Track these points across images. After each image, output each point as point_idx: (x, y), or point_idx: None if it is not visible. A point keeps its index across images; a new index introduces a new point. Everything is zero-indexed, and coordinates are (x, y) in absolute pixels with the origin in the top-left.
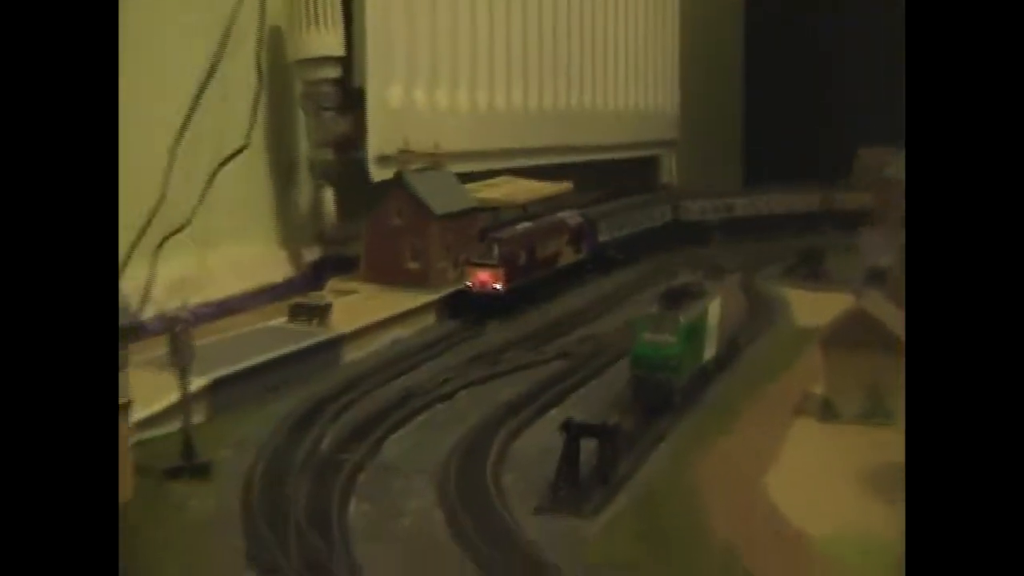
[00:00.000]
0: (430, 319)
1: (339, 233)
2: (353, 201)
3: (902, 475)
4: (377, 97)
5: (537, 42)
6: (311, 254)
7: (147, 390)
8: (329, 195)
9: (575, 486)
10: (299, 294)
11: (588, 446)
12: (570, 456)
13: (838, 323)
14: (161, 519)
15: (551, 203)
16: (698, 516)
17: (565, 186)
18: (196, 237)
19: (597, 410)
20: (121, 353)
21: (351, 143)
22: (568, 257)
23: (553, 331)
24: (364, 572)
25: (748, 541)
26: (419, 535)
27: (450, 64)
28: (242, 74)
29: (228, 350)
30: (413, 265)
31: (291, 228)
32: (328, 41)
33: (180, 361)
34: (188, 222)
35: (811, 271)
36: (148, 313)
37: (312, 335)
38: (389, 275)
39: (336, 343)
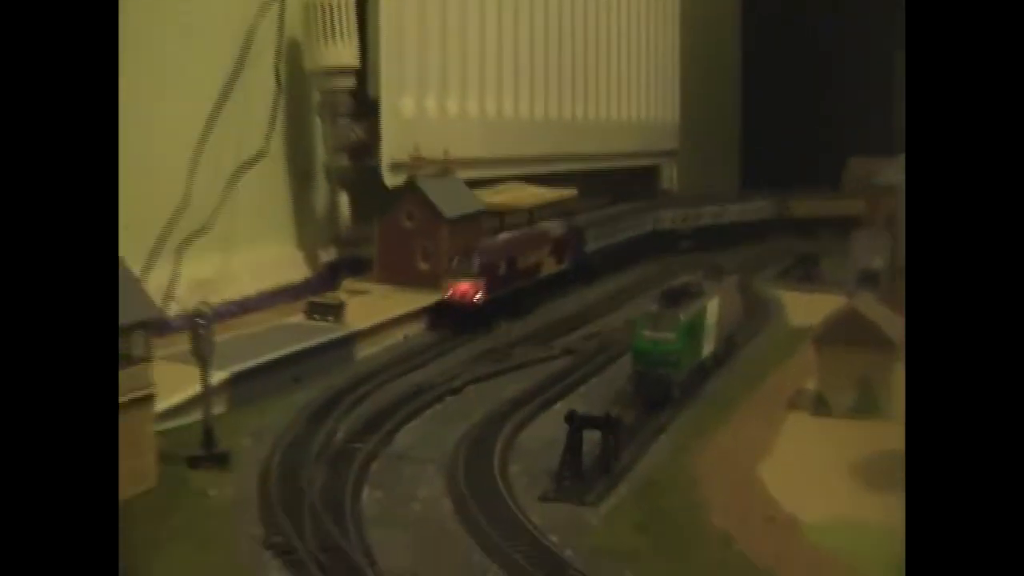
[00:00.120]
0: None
1: (353, 235)
2: (367, 205)
3: (890, 465)
4: (390, 106)
5: (543, 54)
6: (327, 255)
7: (171, 383)
8: (344, 199)
9: (579, 475)
10: (315, 293)
11: (591, 437)
12: (574, 447)
13: (831, 322)
14: (183, 505)
15: (556, 208)
16: (696, 504)
17: (570, 192)
18: (218, 239)
19: (600, 404)
20: (146, 347)
21: (365, 150)
22: (550, 267)
23: (559, 328)
24: (376, 555)
25: (743, 527)
26: (429, 521)
27: (460, 75)
28: (262, 84)
29: (247, 346)
30: (424, 266)
31: (308, 231)
32: (344, 53)
33: (202, 356)
34: (210, 225)
35: (805, 273)
36: (172, 310)
37: (327, 332)
38: (401, 275)
39: (350, 340)
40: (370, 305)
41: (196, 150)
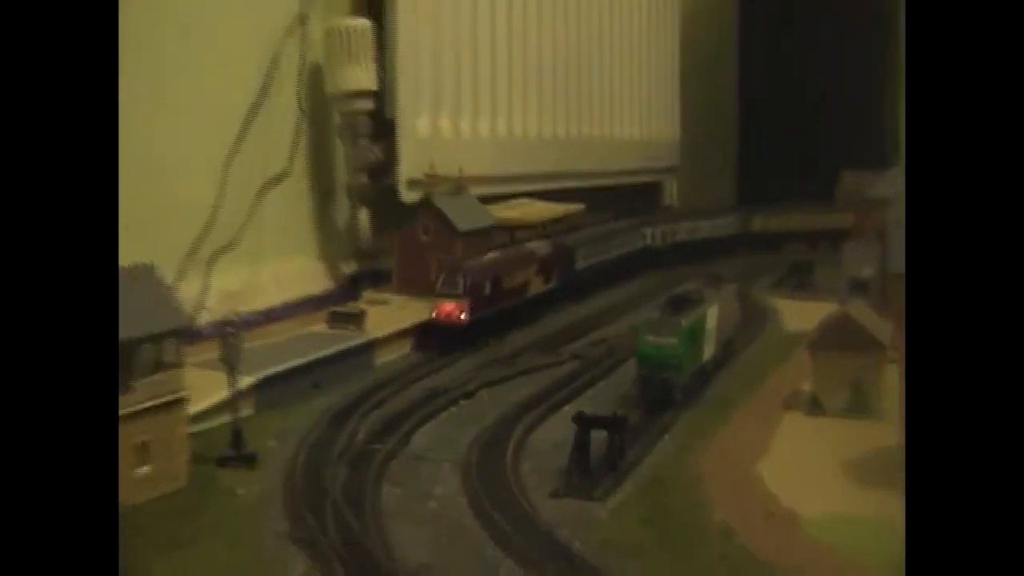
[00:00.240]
0: None
1: (373, 249)
2: (385, 220)
3: (881, 462)
4: (407, 127)
5: (551, 77)
6: (348, 268)
7: (201, 387)
8: (364, 215)
9: (587, 473)
10: (337, 303)
11: (598, 437)
12: (582, 446)
13: (825, 327)
14: (212, 503)
15: (565, 223)
16: (699, 500)
17: (578, 207)
18: (245, 253)
19: (606, 405)
20: (178, 354)
21: (383, 168)
22: (537, 287)
23: (567, 335)
24: (395, 549)
25: (744, 521)
26: (445, 517)
27: (472, 97)
28: (285, 106)
29: (273, 353)
30: None
31: (330, 245)
32: (363, 77)
33: (230, 362)
34: (238, 239)
35: (799, 282)
36: (203, 320)
37: (348, 340)
38: (418, 287)
39: (370, 347)
40: (389, 315)
41: (224, 170)
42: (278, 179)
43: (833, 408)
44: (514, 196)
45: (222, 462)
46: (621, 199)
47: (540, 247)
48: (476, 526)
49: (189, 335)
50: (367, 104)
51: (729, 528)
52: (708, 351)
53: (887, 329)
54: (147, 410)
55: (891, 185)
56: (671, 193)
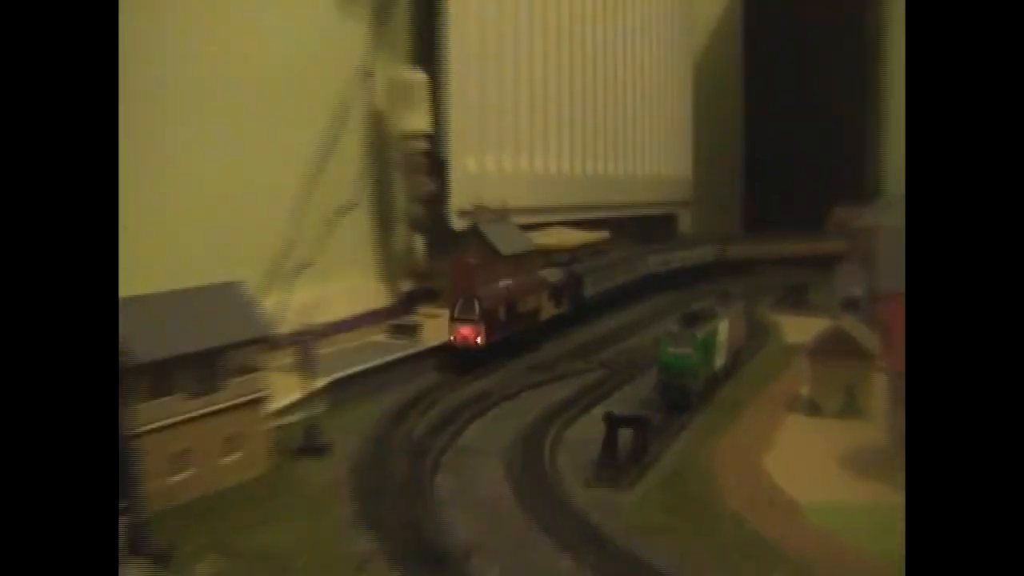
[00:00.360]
0: None
1: (427, 270)
2: (438, 245)
3: (872, 456)
4: (457, 164)
5: (581, 123)
6: (405, 286)
7: (281, 388)
8: (420, 240)
9: (615, 466)
10: (396, 317)
11: (625, 434)
12: (611, 442)
13: (821, 338)
14: (289, 488)
15: (593, 248)
16: (713, 489)
17: (603, 235)
18: (318, 272)
19: (631, 407)
20: (260, 359)
21: (437, 200)
22: (549, 311)
23: (597, 345)
24: (448, 530)
25: (753, 508)
26: (490, 502)
27: (514, 139)
28: (354, 147)
29: (341, 359)
30: None
31: (390, 265)
32: (419, 121)
33: (305, 366)
34: (312, 260)
35: (796, 301)
36: (282, 329)
37: (406, 348)
38: None
39: (425, 355)
40: (441, 327)
41: (301, 201)
42: (347, 209)
43: (829, 409)
44: (549, 225)
45: (298, 452)
46: (643, 227)
47: (551, 274)
48: (518, 511)
49: (271, 342)
50: (423, 144)
51: (740, 514)
52: (720, 360)
53: (875, 341)
54: (233, 407)
55: (876, 216)
56: (685, 223)
